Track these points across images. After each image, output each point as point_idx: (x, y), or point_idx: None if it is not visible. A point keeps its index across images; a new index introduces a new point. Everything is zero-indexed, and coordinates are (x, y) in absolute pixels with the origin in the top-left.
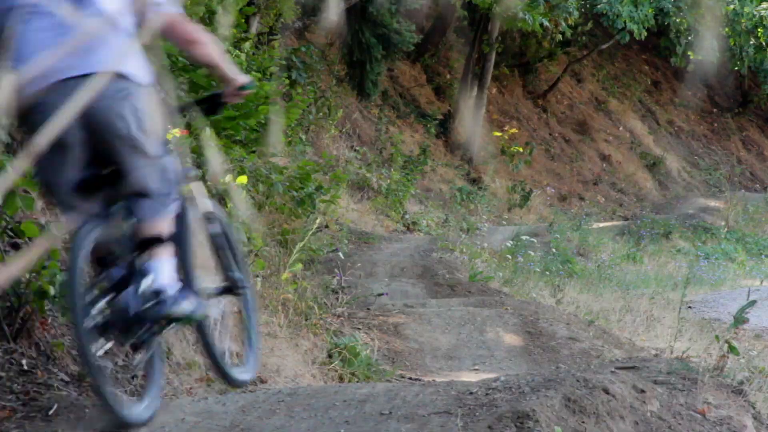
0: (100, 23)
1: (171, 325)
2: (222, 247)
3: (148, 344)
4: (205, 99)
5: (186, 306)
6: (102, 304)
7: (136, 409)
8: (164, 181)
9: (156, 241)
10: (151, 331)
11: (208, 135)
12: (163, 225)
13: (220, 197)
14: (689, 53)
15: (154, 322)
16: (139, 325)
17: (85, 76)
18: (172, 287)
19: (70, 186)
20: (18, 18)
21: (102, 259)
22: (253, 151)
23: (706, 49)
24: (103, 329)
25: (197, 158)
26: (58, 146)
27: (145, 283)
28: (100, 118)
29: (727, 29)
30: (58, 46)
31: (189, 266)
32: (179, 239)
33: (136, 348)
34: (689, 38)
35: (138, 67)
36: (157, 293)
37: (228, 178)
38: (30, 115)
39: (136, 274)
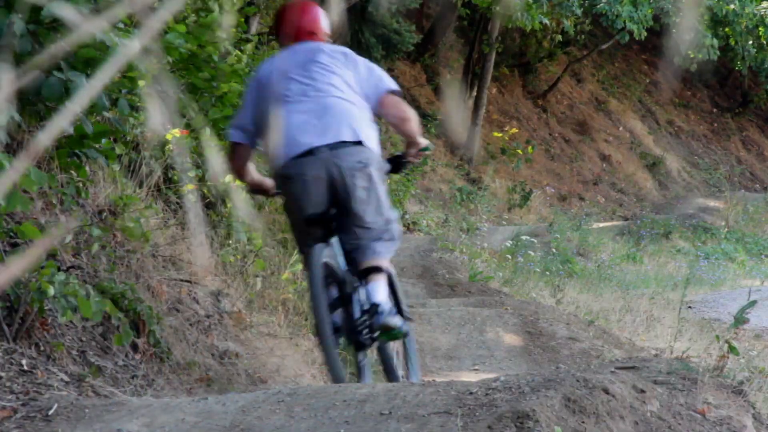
0: (344, 102)
1: (382, 335)
2: (394, 283)
3: (365, 348)
4: (390, 159)
5: (396, 320)
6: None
7: None
8: (392, 228)
9: (377, 269)
10: (368, 337)
11: (208, 135)
12: (386, 261)
13: (221, 197)
14: (690, 53)
15: (372, 329)
16: (360, 330)
17: (337, 144)
18: (387, 304)
19: (310, 217)
20: (281, 105)
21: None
22: None
23: (706, 48)
24: (335, 329)
25: (198, 158)
26: (309, 191)
27: (367, 298)
28: (347, 180)
29: (727, 29)
30: (311, 123)
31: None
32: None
33: (357, 348)
34: (689, 38)
35: (373, 137)
36: (375, 306)
37: (228, 178)
38: (287, 180)
39: (359, 291)
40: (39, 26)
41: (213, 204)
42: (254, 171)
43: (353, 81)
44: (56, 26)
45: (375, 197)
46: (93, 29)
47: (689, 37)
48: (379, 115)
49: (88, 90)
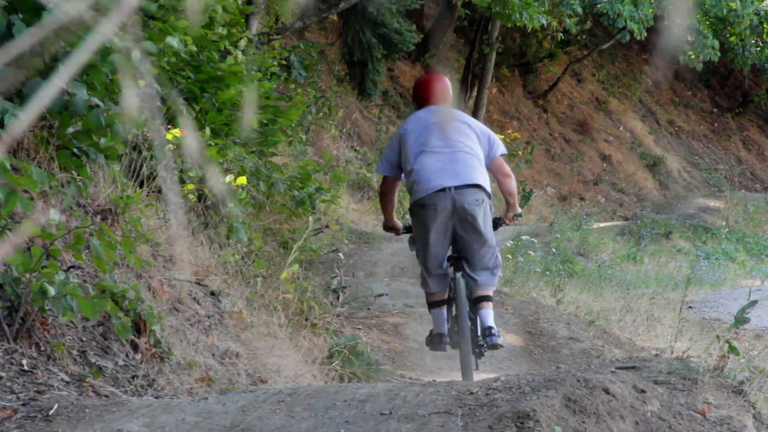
0: (468, 156)
1: (489, 349)
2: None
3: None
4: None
5: (501, 340)
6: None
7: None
8: (496, 261)
9: (488, 297)
10: (482, 348)
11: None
12: (492, 290)
13: (222, 198)
14: (692, 54)
15: (486, 344)
16: (480, 343)
17: (466, 185)
18: (495, 327)
19: (442, 258)
20: (423, 154)
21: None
22: (253, 151)
23: (707, 48)
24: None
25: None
26: (442, 230)
27: (481, 321)
28: (471, 218)
29: (730, 28)
30: (454, 160)
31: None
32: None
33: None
34: (690, 38)
35: (486, 182)
36: (489, 329)
37: (229, 178)
38: (423, 208)
39: (474, 316)
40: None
41: (214, 204)
42: (393, 214)
43: (475, 140)
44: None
45: (486, 224)
46: (73, 12)
47: (689, 37)
48: (489, 170)
49: (65, 70)
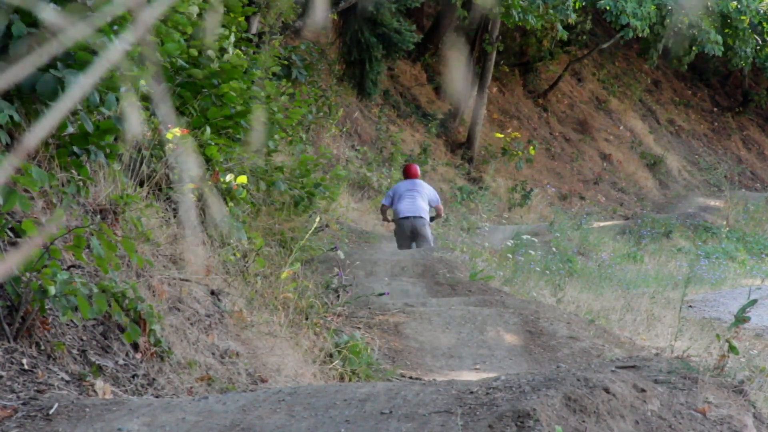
0: (421, 202)
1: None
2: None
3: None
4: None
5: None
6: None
7: None
8: (430, 245)
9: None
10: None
11: (208, 134)
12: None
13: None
14: (694, 50)
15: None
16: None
17: (417, 216)
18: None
19: (409, 242)
20: (403, 195)
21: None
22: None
23: (710, 44)
24: None
25: (198, 157)
26: (408, 234)
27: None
28: (420, 230)
29: (726, 29)
30: (413, 204)
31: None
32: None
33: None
34: (692, 32)
35: (427, 214)
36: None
37: (229, 177)
38: (397, 223)
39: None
40: (37, 29)
41: (211, 205)
42: (389, 214)
43: (426, 194)
44: (54, 29)
45: (427, 233)
46: (84, 32)
47: (692, 32)
48: (433, 208)
49: (79, 88)
